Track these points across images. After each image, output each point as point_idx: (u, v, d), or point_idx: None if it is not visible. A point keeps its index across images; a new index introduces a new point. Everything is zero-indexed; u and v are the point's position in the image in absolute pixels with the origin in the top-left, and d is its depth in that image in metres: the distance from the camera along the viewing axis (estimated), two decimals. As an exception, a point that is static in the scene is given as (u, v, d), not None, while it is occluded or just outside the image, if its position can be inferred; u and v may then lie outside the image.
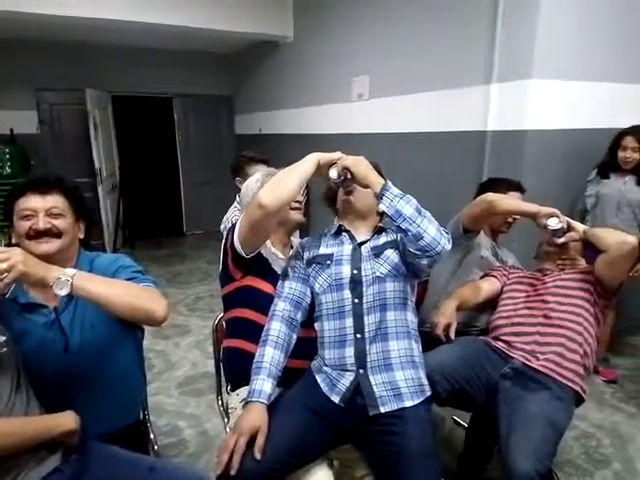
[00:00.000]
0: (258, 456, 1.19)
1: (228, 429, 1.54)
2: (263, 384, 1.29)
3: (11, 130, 5.38)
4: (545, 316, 1.67)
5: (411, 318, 1.41)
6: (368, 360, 1.34)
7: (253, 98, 6.08)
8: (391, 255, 1.39)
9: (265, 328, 1.40)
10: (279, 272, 1.53)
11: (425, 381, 1.39)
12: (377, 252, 1.41)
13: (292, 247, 1.67)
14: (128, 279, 1.32)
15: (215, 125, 6.81)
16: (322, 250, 1.47)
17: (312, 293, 1.46)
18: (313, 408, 1.34)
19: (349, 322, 1.36)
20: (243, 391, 1.40)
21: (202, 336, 3.44)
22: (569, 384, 1.54)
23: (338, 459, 1.45)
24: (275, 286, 1.49)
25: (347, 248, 1.44)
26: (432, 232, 1.23)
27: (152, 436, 1.56)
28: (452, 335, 1.69)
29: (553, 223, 1.67)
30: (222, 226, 2.58)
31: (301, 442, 1.28)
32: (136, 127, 7.31)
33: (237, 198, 2.60)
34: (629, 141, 2.63)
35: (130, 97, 6.30)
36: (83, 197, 1.42)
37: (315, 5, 4.52)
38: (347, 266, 1.40)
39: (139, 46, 5.80)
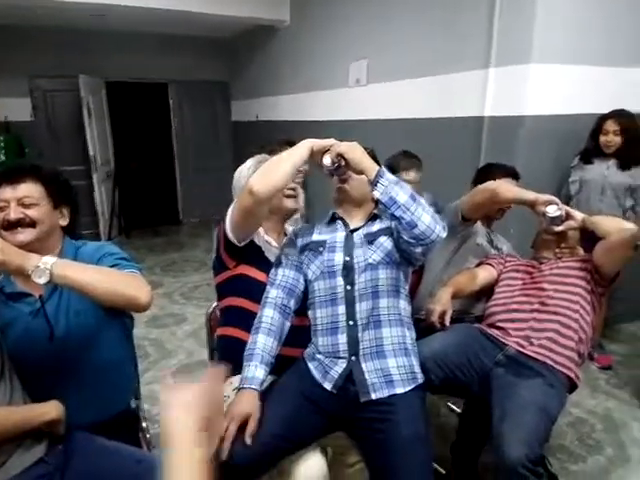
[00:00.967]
0: (249, 441, 1.19)
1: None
2: (255, 371, 1.29)
3: (5, 118, 5.33)
4: (542, 303, 1.66)
5: (404, 306, 1.40)
6: (360, 347, 1.33)
7: (250, 84, 6.01)
8: (384, 242, 1.38)
9: (258, 315, 1.40)
10: (273, 260, 1.52)
11: (417, 368, 1.38)
12: (370, 239, 1.40)
13: (286, 235, 1.66)
14: (112, 266, 1.31)
15: (211, 112, 6.74)
16: (315, 237, 1.46)
17: (305, 280, 1.45)
18: (305, 395, 1.34)
19: (341, 309, 1.35)
20: (237, 379, 1.40)
21: (198, 325, 3.43)
22: (562, 370, 1.54)
23: (331, 446, 1.45)
24: (268, 274, 1.48)
25: (340, 235, 1.43)
26: (427, 220, 1.22)
27: (144, 424, 1.56)
28: (447, 322, 1.68)
29: (551, 210, 1.66)
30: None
31: (293, 428, 1.28)
32: (131, 114, 7.24)
33: None
34: (610, 125, 2.62)
35: (125, 83, 6.22)
36: (66, 183, 1.39)
37: (311, -11, 4.45)
38: (340, 253, 1.39)
39: (133, 31, 5.71)
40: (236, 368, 1.43)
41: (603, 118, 2.65)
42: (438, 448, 1.94)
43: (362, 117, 3.96)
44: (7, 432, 1.10)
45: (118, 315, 1.41)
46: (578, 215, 1.71)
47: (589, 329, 1.65)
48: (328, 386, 1.34)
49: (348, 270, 1.36)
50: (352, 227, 1.45)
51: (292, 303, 1.42)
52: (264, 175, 1.32)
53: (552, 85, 2.71)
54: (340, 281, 1.36)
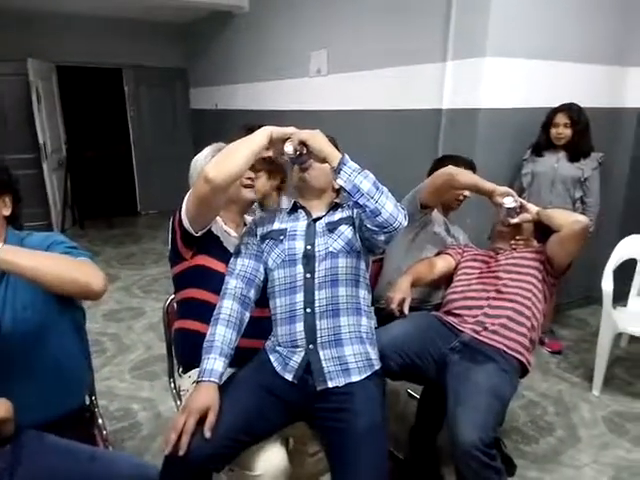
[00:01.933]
0: (208, 434, 1.17)
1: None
2: (214, 363, 1.27)
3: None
4: (497, 291, 1.72)
5: (363, 295, 1.40)
6: (318, 335, 1.33)
7: (209, 71, 5.86)
8: (345, 231, 1.38)
9: (217, 307, 1.37)
10: (232, 251, 1.49)
11: (373, 355, 1.39)
12: (331, 227, 1.39)
13: (246, 226, 1.63)
14: (62, 254, 1.24)
15: (170, 99, 6.53)
16: (276, 225, 1.45)
17: (266, 270, 1.43)
18: (266, 386, 1.33)
19: (300, 297, 1.35)
20: (195, 373, 1.37)
21: (157, 318, 3.34)
22: (515, 355, 1.60)
23: (292, 436, 1.45)
24: (227, 265, 1.45)
25: (302, 224, 1.43)
26: (390, 208, 1.22)
27: (100, 421, 1.51)
28: (406, 310, 1.71)
29: (508, 202, 1.72)
30: None
31: (253, 420, 1.27)
32: (86, 100, 6.95)
33: None
34: (560, 117, 2.72)
35: (78, 68, 5.95)
36: (6, 170, 1.30)
37: (271, -26, 4.37)
38: (301, 241, 1.39)
39: (85, 14, 5.44)
40: (194, 361, 1.40)
41: (554, 111, 2.74)
42: (399, 434, 1.98)
43: (323, 107, 3.94)
44: None
45: (68, 308, 1.34)
46: (533, 208, 1.78)
47: (540, 317, 1.72)
48: (289, 377, 1.34)
49: (308, 258, 1.36)
50: (314, 216, 1.44)
51: (252, 293, 1.40)
52: (220, 162, 1.29)
53: (506, 79, 2.77)
54: (300, 269, 1.36)
